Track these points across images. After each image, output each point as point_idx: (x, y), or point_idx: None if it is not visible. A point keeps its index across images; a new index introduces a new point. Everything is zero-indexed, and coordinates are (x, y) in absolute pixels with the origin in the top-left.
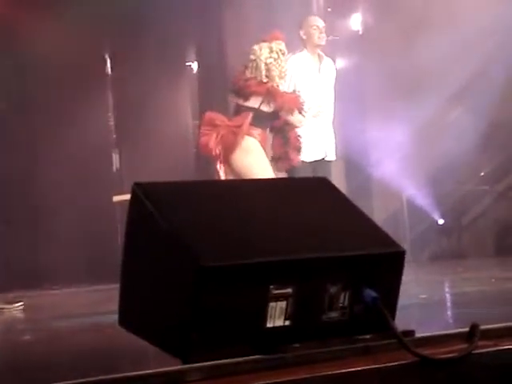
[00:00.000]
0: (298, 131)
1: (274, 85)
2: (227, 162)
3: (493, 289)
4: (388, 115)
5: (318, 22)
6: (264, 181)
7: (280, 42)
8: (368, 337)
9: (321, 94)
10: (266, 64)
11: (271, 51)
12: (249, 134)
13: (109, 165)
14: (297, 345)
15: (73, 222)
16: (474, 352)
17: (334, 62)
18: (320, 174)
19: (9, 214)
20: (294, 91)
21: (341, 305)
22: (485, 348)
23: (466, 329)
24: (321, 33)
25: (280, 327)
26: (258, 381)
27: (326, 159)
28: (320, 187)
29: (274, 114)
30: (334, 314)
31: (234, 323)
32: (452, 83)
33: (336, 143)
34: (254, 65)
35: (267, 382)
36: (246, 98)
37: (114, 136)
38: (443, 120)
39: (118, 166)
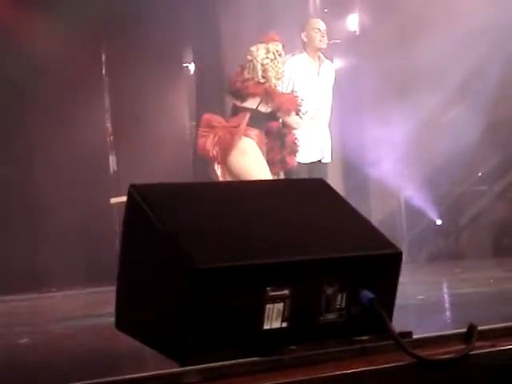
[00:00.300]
0: (296, 134)
1: (272, 85)
2: (224, 162)
3: (491, 289)
4: (385, 115)
5: (319, 25)
6: (261, 182)
7: (277, 43)
8: (365, 338)
9: (319, 97)
10: (262, 65)
11: (268, 52)
12: (246, 135)
13: (106, 166)
14: (294, 347)
15: (70, 224)
16: (471, 353)
17: (332, 62)
18: (316, 176)
19: (6, 215)
20: (292, 91)
21: (338, 306)
22: (482, 349)
23: (464, 329)
24: (322, 36)
25: (277, 329)
26: (256, 383)
27: (322, 161)
28: (317, 188)
29: (272, 115)
30: (331, 316)
31: (231, 325)
32: (449, 83)
33: (332, 145)
34: (251, 65)
35: None
36: (244, 99)
37: (112, 138)
38: (440, 120)
39: (115, 167)
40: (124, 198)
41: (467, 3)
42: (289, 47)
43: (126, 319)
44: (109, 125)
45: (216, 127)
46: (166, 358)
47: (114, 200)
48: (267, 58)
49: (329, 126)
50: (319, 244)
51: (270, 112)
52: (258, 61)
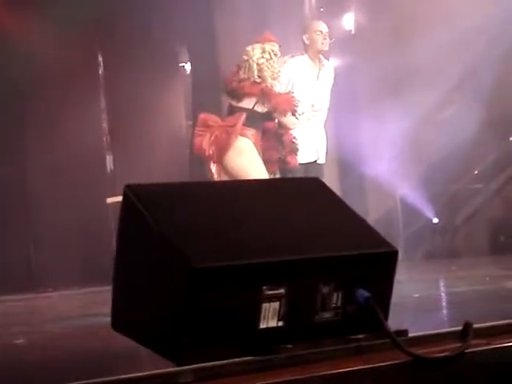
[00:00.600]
0: (293, 133)
1: (268, 85)
2: (220, 162)
3: (487, 287)
4: (381, 114)
5: (321, 28)
6: (256, 181)
7: (273, 43)
8: (361, 337)
9: (316, 99)
10: (258, 64)
11: (263, 52)
12: (242, 135)
13: (102, 166)
14: (290, 345)
15: (67, 224)
16: (467, 351)
17: (328, 61)
18: (312, 176)
19: (2, 215)
20: (289, 92)
21: (333, 305)
22: (478, 347)
23: (460, 327)
24: (324, 38)
25: (273, 328)
26: (251, 382)
27: (317, 162)
28: (312, 188)
29: (268, 115)
30: (326, 315)
31: (227, 325)
32: (445, 82)
33: (328, 144)
34: (247, 65)
35: (260, 383)
36: (240, 99)
37: (108, 137)
38: (436, 119)
39: (111, 167)
40: (120, 198)
41: (462, 2)
42: (284, 47)
43: (122, 319)
44: (105, 125)
45: (212, 126)
46: (161, 358)
47: (110, 200)
48: (263, 57)
49: (324, 125)
50: (315, 243)
51: (267, 112)
52: (253, 60)
